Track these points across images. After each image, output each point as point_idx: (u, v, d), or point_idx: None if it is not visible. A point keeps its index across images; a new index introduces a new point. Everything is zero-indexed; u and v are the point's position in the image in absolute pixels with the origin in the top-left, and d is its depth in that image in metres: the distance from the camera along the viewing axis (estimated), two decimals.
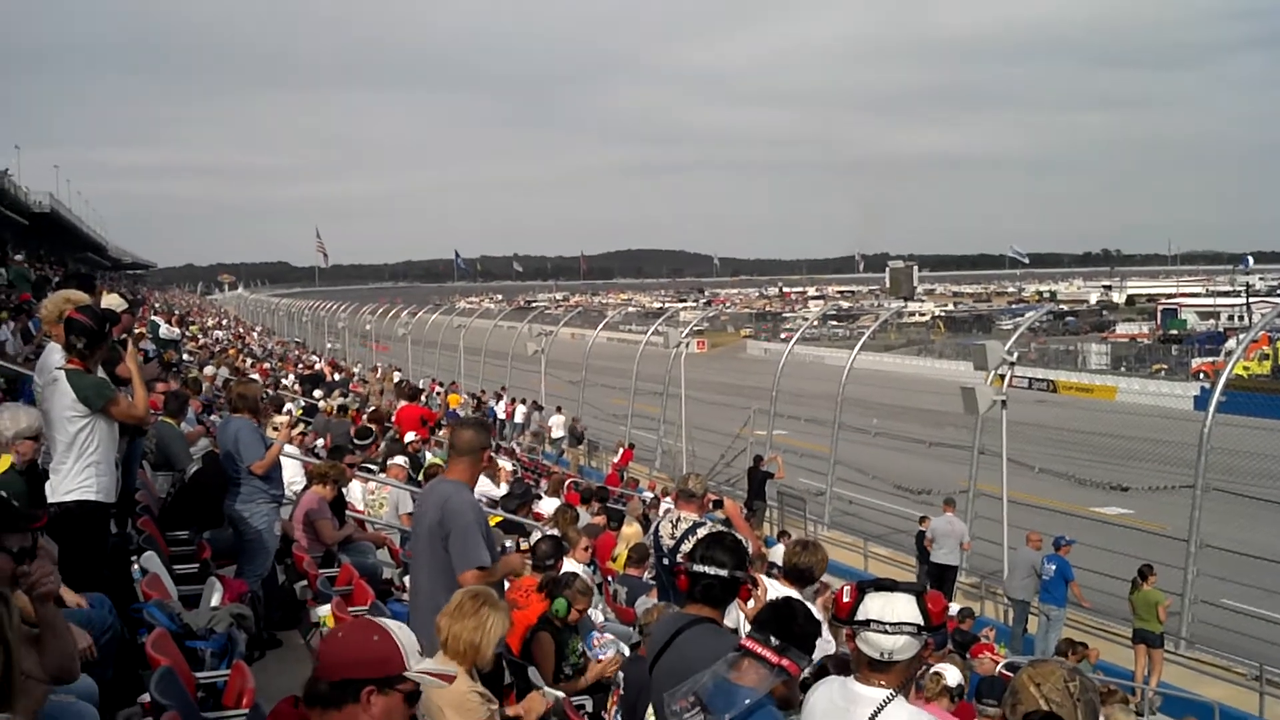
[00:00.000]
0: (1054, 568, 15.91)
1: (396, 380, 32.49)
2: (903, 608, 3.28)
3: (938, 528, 18.37)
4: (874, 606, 3.32)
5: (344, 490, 10.24)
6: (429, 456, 15.13)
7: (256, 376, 23.07)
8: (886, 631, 3.25)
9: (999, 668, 10.25)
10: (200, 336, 36.33)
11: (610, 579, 10.84)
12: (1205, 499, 16.85)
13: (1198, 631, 16.21)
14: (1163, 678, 14.57)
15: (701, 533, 4.55)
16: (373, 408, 21.27)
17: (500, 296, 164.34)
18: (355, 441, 13.67)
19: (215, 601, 6.62)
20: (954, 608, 15.64)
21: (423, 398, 28.62)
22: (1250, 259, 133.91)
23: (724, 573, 4.15)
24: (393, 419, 19.77)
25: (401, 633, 3.14)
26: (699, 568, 4.17)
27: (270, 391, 19.79)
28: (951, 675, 7.22)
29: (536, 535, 9.99)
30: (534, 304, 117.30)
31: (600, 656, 7.20)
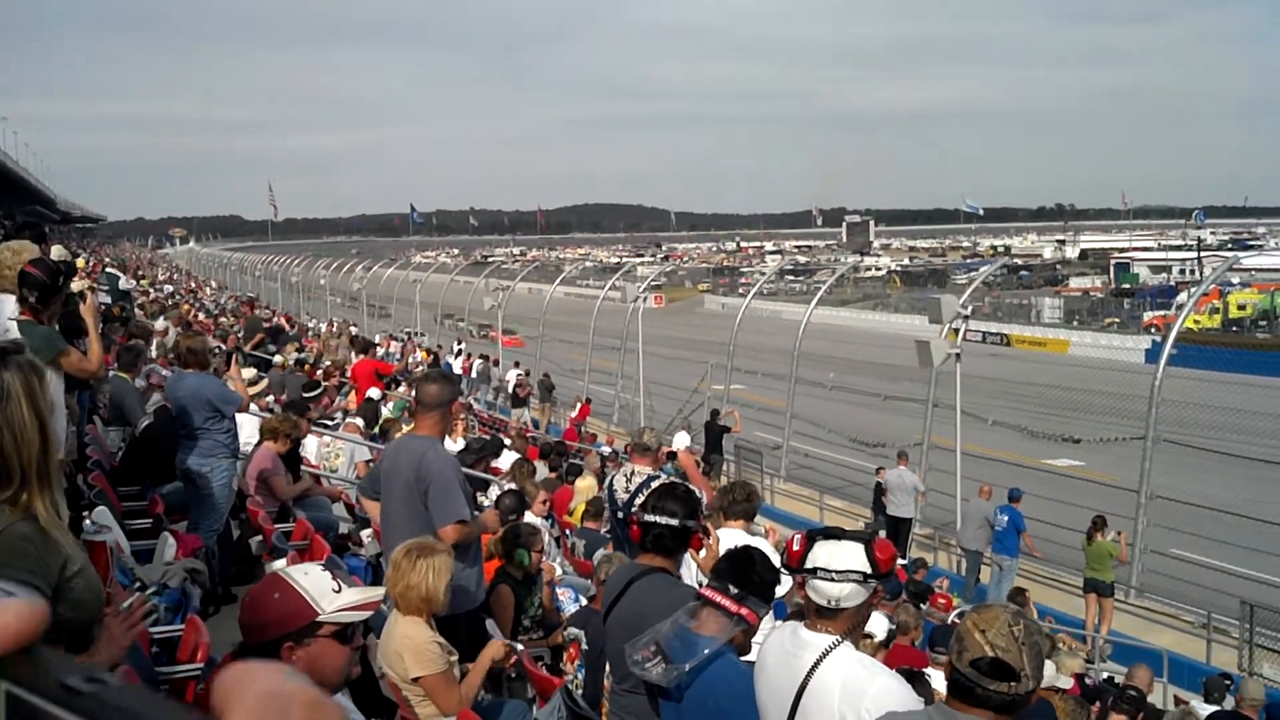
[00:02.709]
0: (1006, 518, 16.13)
1: (353, 334, 32.25)
2: (850, 556, 3.28)
3: (891, 480, 18.55)
4: (822, 554, 3.32)
5: (299, 444, 10.16)
6: (385, 411, 15.05)
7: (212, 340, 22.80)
8: (833, 579, 3.25)
9: (951, 616, 10.40)
10: (151, 291, 35.77)
11: (568, 532, 10.87)
12: (1155, 450, 17.13)
13: (1147, 581, 16.52)
14: (1113, 626, 14.83)
15: (656, 485, 4.55)
16: (327, 362, 21.10)
17: (457, 251, 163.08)
18: (303, 395, 13.55)
19: (169, 556, 6.55)
20: (907, 559, 15.87)
21: (379, 351, 28.41)
22: (1202, 213, 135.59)
23: (675, 522, 4.16)
24: (348, 373, 19.63)
25: (307, 579, 3.10)
26: (650, 517, 4.18)
27: (221, 346, 19.56)
28: (878, 628, 7.31)
29: (495, 491, 9.99)
30: (491, 259, 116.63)
31: (567, 609, 7.23)
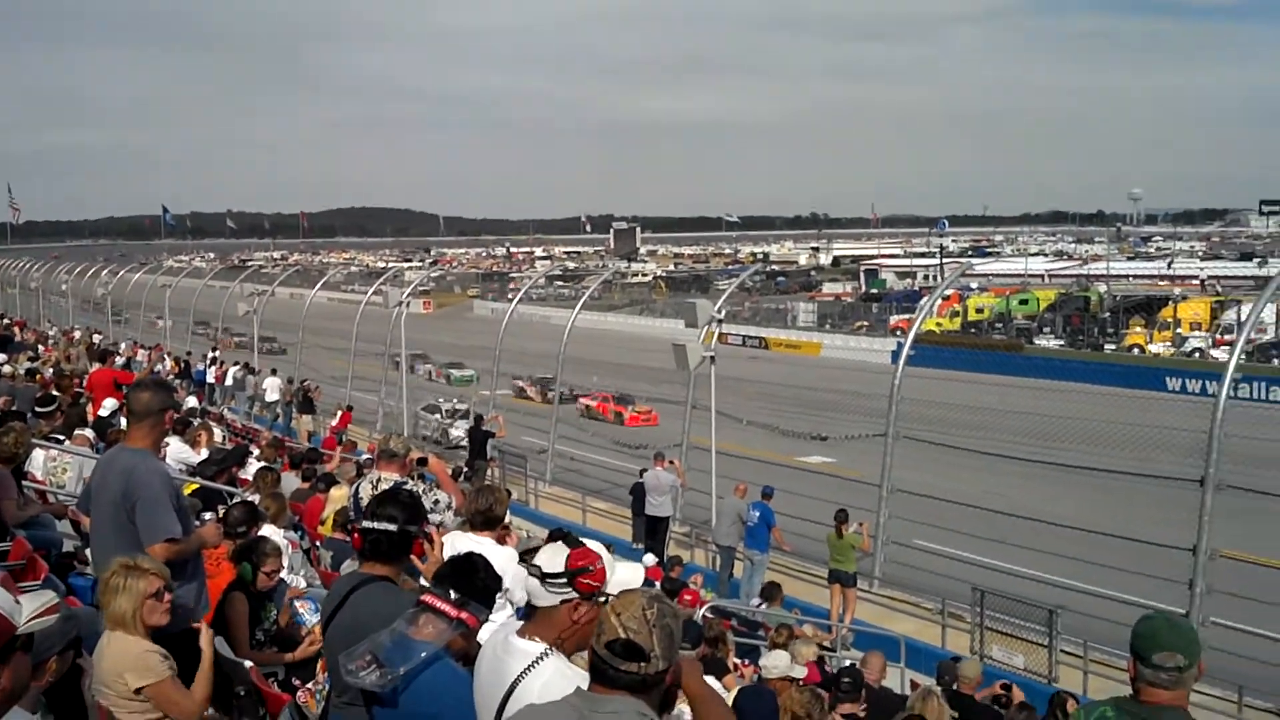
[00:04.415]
0: (758, 514, 16.68)
1: (91, 342, 30.49)
2: (547, 555, 3.29)
3: (649, 481, 18.88)
4: (544, 556, 3.34)
5: (25, 460, 9.52)
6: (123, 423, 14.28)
7: None
8: (530, 572, 3.28)
9: (700, 611, 10.66)
10: None
11: (318, 544, 10.59)
12: (896, 446, 18.06)
13: (889, 571, 17.40)
14: (856, 615, 15.54)
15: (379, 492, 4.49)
16: (65, 372, 19.87)
17: (213, 255, 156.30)
18: (36, 409, 12.72)
19: None
20: (664, 557, 16.19)
21: (118, 359, 26.95)
22: (945, 222, 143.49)
23: (393, 528, 4.09)
24: (84, 383, 18.54)
25: None
26: (368, 524, 4.11)
27: None
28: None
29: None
30: (249, 263, 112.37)
31: (309, 623, 7.02)
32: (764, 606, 13.13)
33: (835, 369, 50.60)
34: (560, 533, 3.50)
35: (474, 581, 3.79)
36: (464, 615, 3.68)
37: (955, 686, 8.92)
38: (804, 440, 34.29)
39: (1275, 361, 47.74)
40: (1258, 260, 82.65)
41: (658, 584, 11.81)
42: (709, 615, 10.83)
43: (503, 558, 4.92)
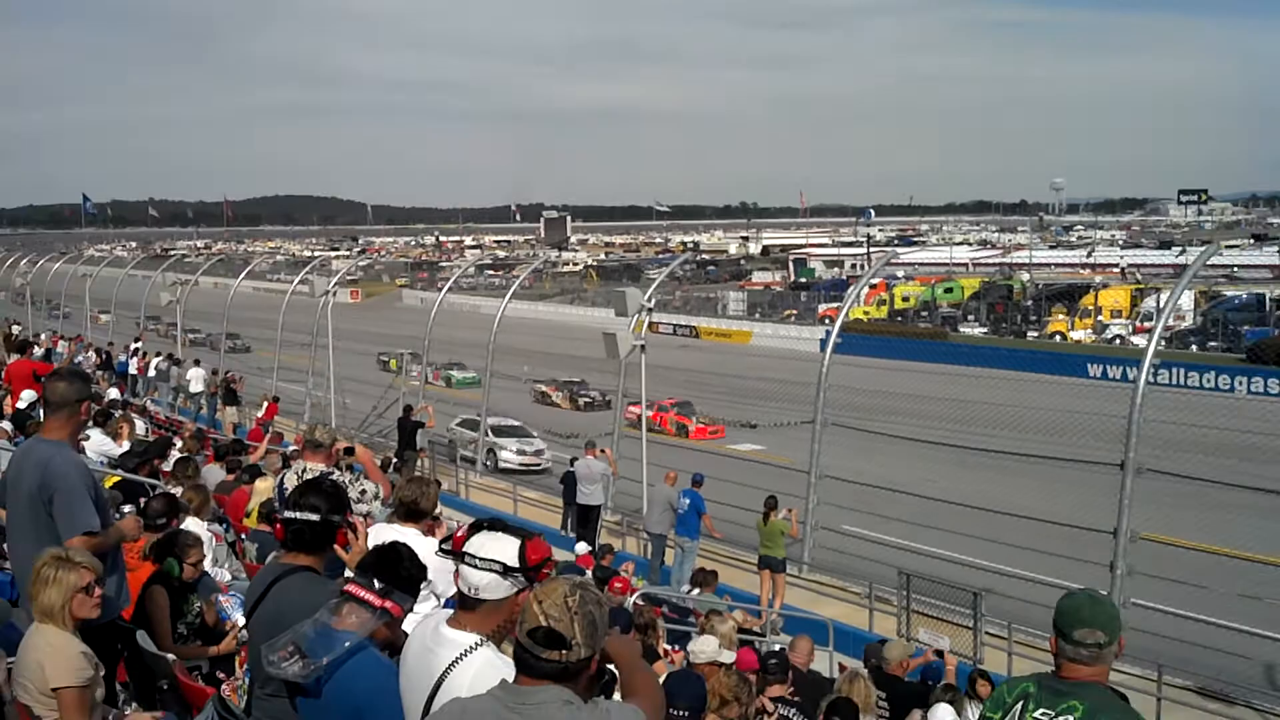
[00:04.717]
0: (688, 502, 16.75)
1: (10, 333, 29.74)
2: (499, 547, 3.24)
3: (580, 470, 18.87)
4: (476, 541, 3.29)
5: None
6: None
7: None
8: (476, 566, 3.22)
9: (631, 598, 10.70)
10: None
11: (243, 536, 10.44)
12: (824, 433, 18.22)
13: (818, 556, 17.57)
14: (786, 600, 15.68)
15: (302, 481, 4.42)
16: None
17: (135, 244, 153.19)
18: None
19: None
20: (595, 546, 16.20)
21: (37, 350, 26.30)
22: (871, 212, 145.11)
23: (315, 517, 4.03)
24: (2, 375, 18.10)
25: None
26: (290, 514, 4.06)
27: None
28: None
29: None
30: (172, 252, 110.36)
31: (233, 617, 6.93)
32: (696, 593, 13.19)
33: (765, 357, 51.01)
34: (488, 522, 3.45)
35: (398, 571, 3.76)
36: (388, 605, 3.65)
37: (882, 668, 9.04)
38: (734, 428, 34.55)
39: (1193, 348, 48.98)
40: (1176, 249, 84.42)
41: (589, 572, 11.81)
42: (640, 602, 10.87)
43: (427, 549, 4.88)
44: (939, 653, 10.62)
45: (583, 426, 27.40)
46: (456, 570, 3.34)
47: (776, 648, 9.69)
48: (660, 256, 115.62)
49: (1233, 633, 14.66)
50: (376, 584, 3.67)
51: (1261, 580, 17.30)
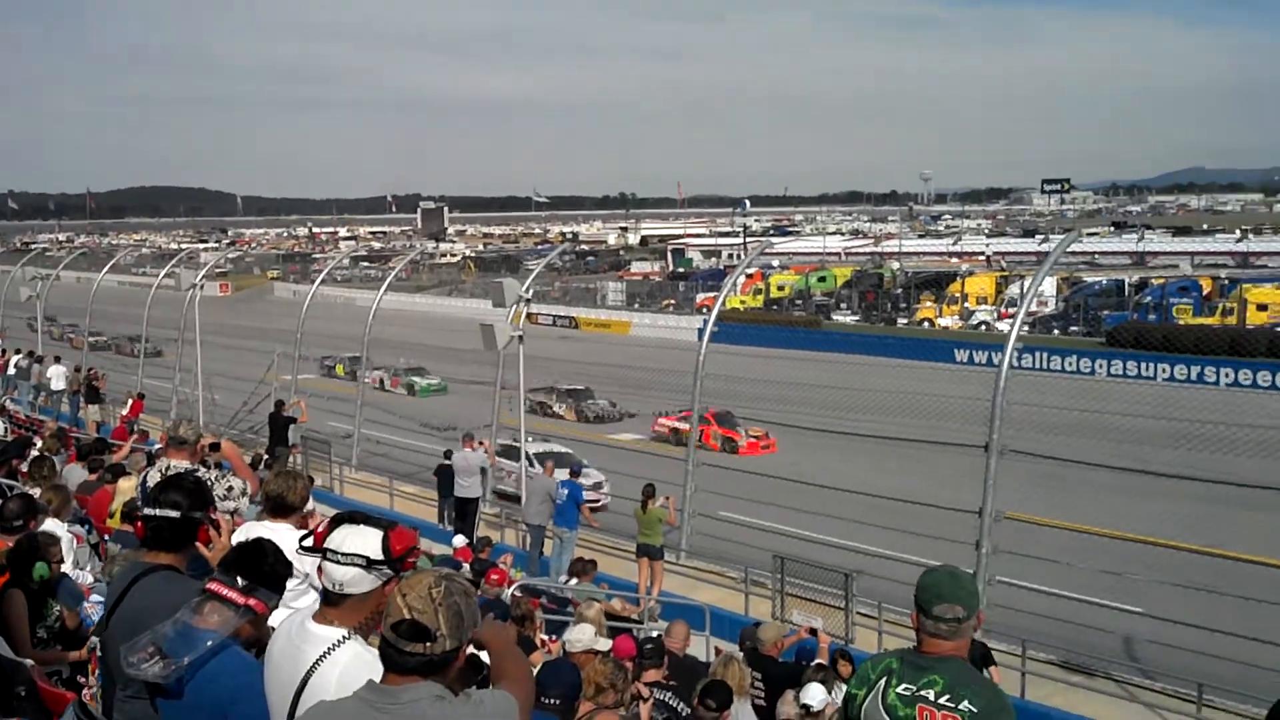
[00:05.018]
0: (566, 492, 16.77)
1: None
2: (361, 540, 3.20)
3: (458, 462, 18.74)
4: (337, 536, 3.25)
5: None
6: None
7: None
8: (339, 561, 3.17)
9: (509, 590, 10.68)
10: None
11: (106, 537, 10.13)
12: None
13: (695, 542, 17.76)
14: (664, 587, 15.80)
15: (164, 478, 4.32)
16: None
17: None
18: None
19: None
20: (474, 539, 16.12)
21: None
22: (747, 202, 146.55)
23: (175, 514, 3.94)
24: None
25: None
26: (150, 511, 3.96)
27: None
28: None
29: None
30: (33, 245, 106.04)
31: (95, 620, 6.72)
32: (575, 583, 13.22)
33: (644, 347, 51.29)
34: (348, 515, 3.41)
35: (261, 567, 3.69)
36: (251, 602, 3.58)
37: (757, 649, 9.20)
38: (614, 417, 34.67)
39: (1056, 332, 50.73)
40: (1040, 237, 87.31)
41: (466, 565, 11.77)
42: (517, 594, 10.86)
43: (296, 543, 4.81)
44: (812, 631, 10.85)
45: (461, 418, 27.03)
46: (320, 566, 3.30)
47: (655, 634, 9.79)
48: (539, 247, 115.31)
49: (1094, 607, 15.30)
50: (240, 581, 3.60)
51: (1121, 556, 18.08)
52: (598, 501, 21.72)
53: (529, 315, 20.99)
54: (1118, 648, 14.58)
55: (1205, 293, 51.57)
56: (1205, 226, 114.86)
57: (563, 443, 24.52)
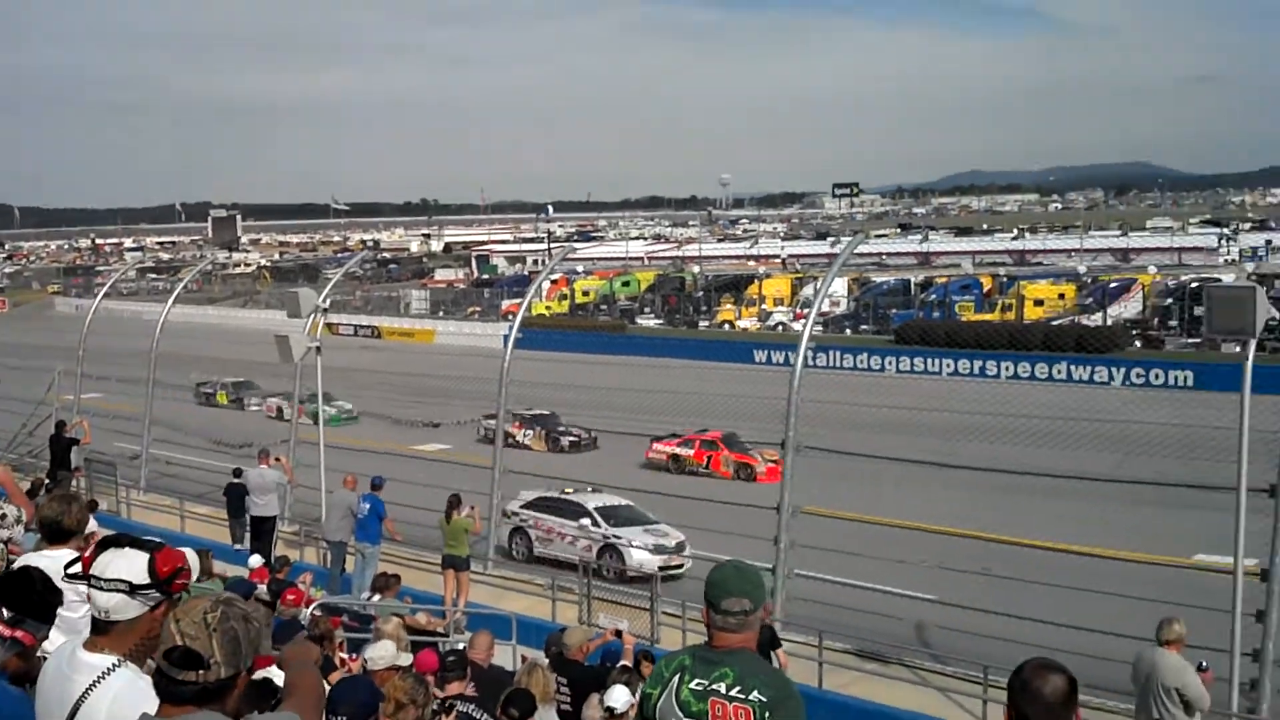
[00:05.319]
0: (368, 506, 16.45)
1: None
2: (126, 564, 3.06)
3: (253, 480, 18.16)
4: (102, 561, 3.12)
5: None
6: None
7: None
8: (102, 588, 3.04)
9: (306, 611, 10.43)
10: None
11: None
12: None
13: (503, 551, 17.75)
14: (471, 598, 15.69)
15: None
16: None
17: None
18: None
19: None
20: (271, 558, 15.67)
21: None
22: (550, 208, 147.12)
23: None
24: None
25: None
26: None
27: None
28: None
29: None
30: None
31: None
32: (378, 599, 12.99)
33: (449, 355, 50.81)
34: (114, 539, 3.28)
35: (30, 597, 3.54)
36: (18, 634, 3.43)
37: (563, 654, 9.25)
38: (417, 428, 34.21)
39: (847, 331, 52.64)
40: (831, 239, 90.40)
41: (263, 586, 11.42)
42: (316, 613, 10.60)
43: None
44: (617, 632, 10.97)
45: (256, 434, 26.16)
46: (87, 594, 3.17)
47: (460, 646, 9.73)
48: (339, 255, 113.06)
49: (888, 596, 15.94)
50: (5, 612, 3.44)
51: (913, 545, 18.92)
52: (681, 566, 18.43)
53: (328, 325, 20.53)
54: (910, 633, 15.24)
55: (986, 290, 54.47)
56: (985, 226, 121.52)
57: (370, 458, 23.99)
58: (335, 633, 9.32)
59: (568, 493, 20.02)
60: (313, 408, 28.76)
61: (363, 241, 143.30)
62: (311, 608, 10.82)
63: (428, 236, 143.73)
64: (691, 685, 3.62)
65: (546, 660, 9.31)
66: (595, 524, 18.94)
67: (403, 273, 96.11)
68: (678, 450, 27.70)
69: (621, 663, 9.40)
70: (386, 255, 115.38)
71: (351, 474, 17.68)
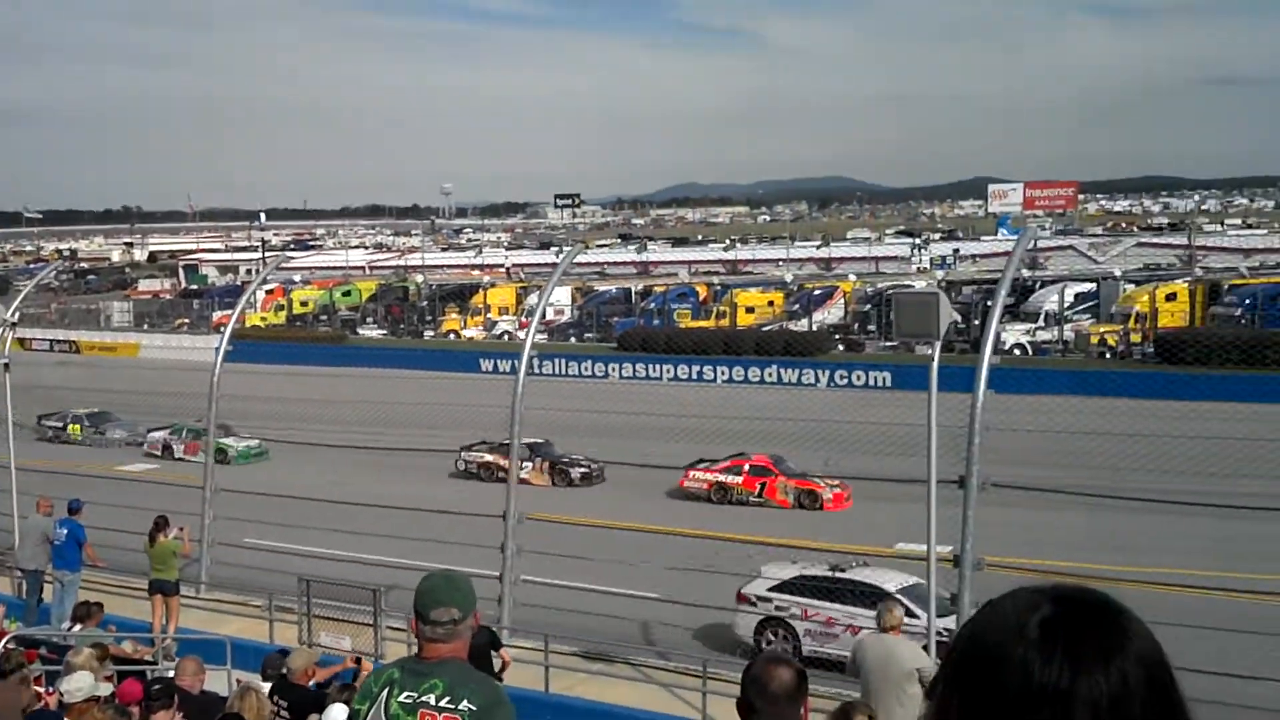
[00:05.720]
0: (65, 532, 15.42)
1: None
2: None
3: None
4: None
5: None
6: None
7: None
8: None
9: (1, 643, 9.69)
10: None
11: None
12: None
13: (215, 573, 16.96)
14: (182, 624, 14.93)
15: None
16: None
17: None
18: None
19: None
20: None
21: None
22: (263, 215, 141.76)
23: None
24: None
25: None
26: None
27: None
28: None
29: None
30: None
31: None
32: (79, 629, 12.19)
33: (155, 370, 48.21)
34: None
35: None
36: None
37: (286, 678, 8.95)
38: (119, 448, 32.29)
39: (571, 339, 53.28)
40: (554, 249, 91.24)
41: None
42: (10, 646, 9.84)
43: None
44: (358, 660, 10.70)
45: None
46: None
47: (169, 674, 9.28)
48: (31, 266, 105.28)
49: (613, 597, 16.22)
50: None
51: (635, 546, 19.32)
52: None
53: (19, 340, 19.12)
54: (635, 633, 15.57)
55: (702, 298, 56.45)
56: (700, 237, 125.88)
57: (67, 480, 22.40)
58: (30, 666, 8.70)
59: (842, 571, 15.53)
60: (218, 443, 23.36)
61: (58, 251, 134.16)
62: (4, 641, 10.05)
63: (130, 245, 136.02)
64: (401, 698, 3.60)
65: (263, 683, 8.99)
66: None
67: (103, 284, 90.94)
68: (721, 477, 24.93)
69: (341, 681, 9.20)
70: (85, 265, 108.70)
71: (45, 497, 16.51)
